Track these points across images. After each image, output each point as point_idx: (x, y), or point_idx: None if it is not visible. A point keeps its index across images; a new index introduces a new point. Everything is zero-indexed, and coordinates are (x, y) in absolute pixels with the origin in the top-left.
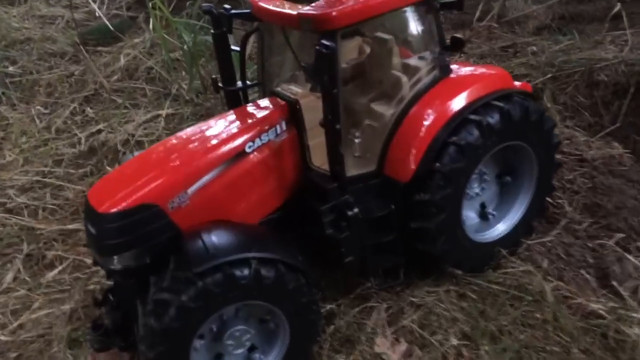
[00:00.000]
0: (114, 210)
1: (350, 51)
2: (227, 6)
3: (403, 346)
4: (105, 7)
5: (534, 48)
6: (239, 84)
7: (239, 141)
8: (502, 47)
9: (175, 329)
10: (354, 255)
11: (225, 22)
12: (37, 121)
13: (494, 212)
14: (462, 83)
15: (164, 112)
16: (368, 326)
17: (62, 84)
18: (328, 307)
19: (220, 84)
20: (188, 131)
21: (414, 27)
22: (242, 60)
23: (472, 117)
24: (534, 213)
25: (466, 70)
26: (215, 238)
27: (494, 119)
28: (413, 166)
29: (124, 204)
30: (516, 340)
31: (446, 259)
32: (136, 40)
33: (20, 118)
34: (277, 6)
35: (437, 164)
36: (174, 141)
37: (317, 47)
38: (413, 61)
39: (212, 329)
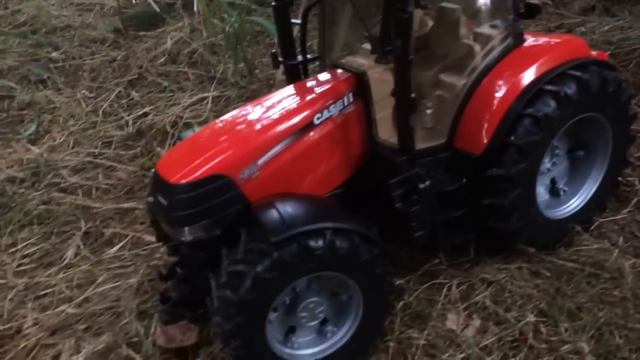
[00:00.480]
0: (184, 181)
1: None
2: None
3: (477, 322)
4: None
5: (583, 28)
6: (299, 58)
7: (307, 113)
8: (554, 26)
9: (251, 300)
10: (424, 230)
11: None
12: (83, 105)
13: (565, 188)
14: (537, 52)
15: (210, 95)
16: (439, 302)
17: (106, 69)
18: (397, 282)
19: (280, 58)
20: (253, 105)
21: None
22: (303, 33)
23: (548, 87)
24: (607, 189)
25: (541, 39)
26: (289, 208)
27: (571, 89)
28: (486, 139)
29: (195, 175)
30: (595, 317)
31: (519, 236)
32: (176, 25)
33: (67, 102)
34: None
35: (512, 137)
36: (241, 114)
37: (397, 11)
38: (485, 29)
39: (285, 301)
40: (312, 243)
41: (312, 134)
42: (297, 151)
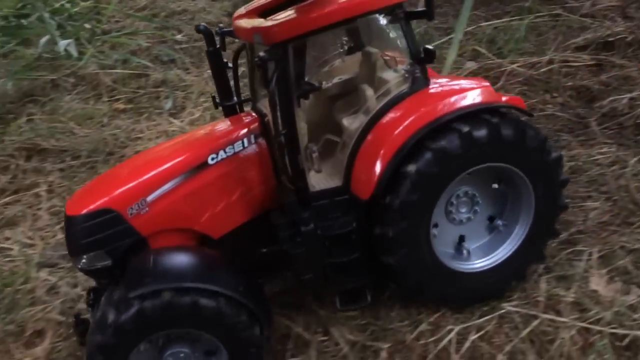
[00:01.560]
0: (77, 213)
1: (352, 65)
2: (221, 25)
3: (618, 284)
4: None
5: None
6: (234, 100)
7: (201, 152)
8: None
9: (111, 346)
10: (312, 273)
11: (219, 40)
12: (211, 83)
13: (470, 248)
14: (434, 97)
15: None
16: (580, 267)
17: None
18: None
19: (217, 100)
20: (165, 143)
21: (389, 37)
22: (235, 76)
23: (428, 142)
24: (527, 259)
25: (448, 83)
26: (161, 262)
27: (452, 142)
28: (370, 188)
29: (87, 208)
30: None
31: (420, 290)
32: None
33: (196, 80)
34: (244, 22)
35: (387, 198)
36: (151, 151)
37: (255, 59)
38: (385, 73)
39: (157, 340)
40: (176, 300)
41: (205, 173)
42: (189, 189)
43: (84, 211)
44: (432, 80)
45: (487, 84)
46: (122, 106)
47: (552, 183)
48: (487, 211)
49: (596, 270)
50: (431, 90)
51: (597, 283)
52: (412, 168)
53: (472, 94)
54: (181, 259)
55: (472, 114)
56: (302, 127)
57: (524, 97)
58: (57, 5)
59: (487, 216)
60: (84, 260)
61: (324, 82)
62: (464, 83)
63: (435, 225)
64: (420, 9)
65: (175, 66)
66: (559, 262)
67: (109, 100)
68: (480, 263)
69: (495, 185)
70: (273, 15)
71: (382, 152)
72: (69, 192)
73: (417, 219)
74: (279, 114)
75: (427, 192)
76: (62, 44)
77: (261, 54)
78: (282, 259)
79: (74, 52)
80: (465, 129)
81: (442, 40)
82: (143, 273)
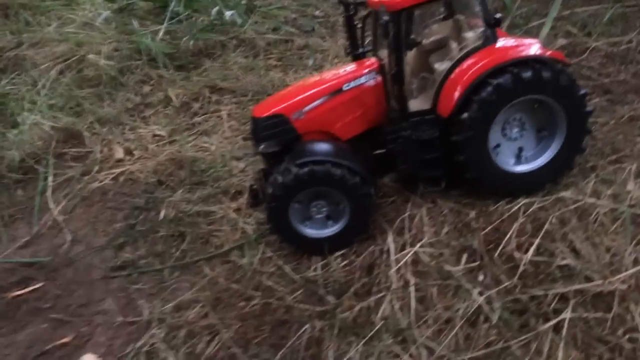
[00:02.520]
0: (261, 115)
1: (444, 29)
2: None
3: None
4: None
5: None
6: (360, 50)
7: (339, 81)
8: None
9: (279, 195)
10: (406, 165)
11: (352, 8)
12: (343, 49)
13: (527, 155)
14: (498, 50)
15: None
16: (620, 177)
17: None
18: None
19: (348, 50)
20: (317, 75)
21: (470, 8)
22: (362, 34)
23: (490, 79)
24: (559, 166)
25: (508, 40)
26: (309, 147)
27: (506, 80)
28: (449, 109)
29: (267, 113)
30: None
31: (480, 182)
32: None
33: (332, 46)
34: None
35: (464, 114)
36: (309, 79)
37: (380, 20)
38: (466, 33)
39: (305, 200)
40: (317, 168)
41: (341, 95)
42: (330, 106)
43: (265, 114)
44: (500, 39)
45: (537, 41)
46: (274, 62)
47: (579, 112)
48: (534, 126)
49: (632, 180)
50: (497, 46)
51: (631, 186)
52: (478, 96)
53: (524, 48)
54: (322, 145)
55: (522, 62)
56: (406, 69)
57: (602, 68)
58: None
59: (535, 130)
60: (262, 147)
61: (423, 40)
62: (521, 41)
63: (498, 146)
64: None
65: (315, 35)
66: (607, 173)
67: (264, 58)
68: (527, 166)
69: (536, 107)
70: None
71: (459, 85)
72: (243, 117)
73: (479, 130)
74: (393, 57)
75: (487, 113)
76: (228, 13)
77: (385, 17)
78: (387, 160)
79: (238, 19)
80: (516, 70)
81: (540, 22)
82: (299, 153)
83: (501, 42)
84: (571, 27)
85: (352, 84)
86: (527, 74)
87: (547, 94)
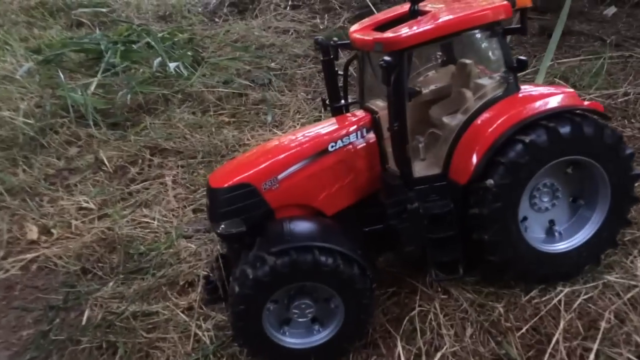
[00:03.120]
0: (221, 185)
1: (444, 76)
2: (335, 38)
3: None
4: (325, 22)
5: None
6: (343, 101)
7: (323, 141)
8: None
9: (249, 295)
10: (413, 246)
11: (333, 51)
12: (305, 104)
13: (561, 230)
14: (524, 100)
15: None
16: None
17: (315, 78)
18: None
19: (327, 102)
20: (290, 134)
21: (483, 50)
22: (345, 82)
23: (519, 136)
24: (602, 243)
25: (535, 89)
26: (288, 227)
27: (540, 137)
28: (468, 175)
29: (229, 182)
30: None
31: (507, 267)
32: None
33: (292, 100)
34: (362, 35)
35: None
36: (279, 140)
37: (380, 62)
38: (481, 80)
39: (283, 299)
40: (300, 257)
41: (325, 158)
42: (312, 171)
43: (227, 184)
44: (524, 86)
45: (571, 90)
46: (227, 119)
47: (625, 176)
48: (568, 194)
49: None
50: (521, 95)
51: None
52: (506, 157)
53: (557, 98)
54: (305, 225)
55: (557, 114)
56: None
57: None
58: (159, 35)
59: (569, 198)
60: (222, 226)
61: (422, 89)
62: (551, 89)
63: (525, 219)
64: (514, 25)
65: (271, 88)
66: None
67: (214, 114)
68: (564, 245)
69: (569, 170)
70: (388, 30)
71: (479, 144)
72: (191, 183)
73: (508, 200)
74: (394, 108)
75: (517, 178)
76: (172, 65)
77: (386, 58)
78: (383, 239)
79: (184, 71)
80: (551, 124)
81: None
82: (274, 236)
83: (526, 90)
84: (554, 79)
85: (340, 144)
86: (566, 130)
87: (589, 154)
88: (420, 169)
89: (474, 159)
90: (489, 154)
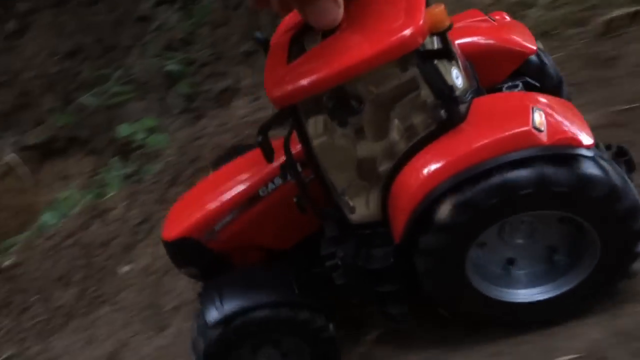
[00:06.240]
0: (169, 239)
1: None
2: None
3: None
4: None
5: None
6: None
7: (252, 185)
8: None
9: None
10: (356, 299)
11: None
12: None
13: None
14: (467, 139)
15: None
16: None
17: None
18: None
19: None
20: (227, 166)
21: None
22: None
23: (452, 195)
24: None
25: (482, 123)
26: (225, 292)
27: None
28: (399, 234)
29: (173, 237)
30: None
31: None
32: None
33: None
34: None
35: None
36: (212, 178)
37: (257, 139)
38: (411, 115)
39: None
40: (251, 317)
41: (259, 204)
42: (248, 218)
43: (172, 239)
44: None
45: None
46: None
47: (624, 234)
48: (546, 239)
49: None
50: (466, 129)
51: None
52: (437, 219)
53: (518, 130)
54: (250, 281)
55: (512, 162)
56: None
57: None
58: None
59: (545, 244)
60: (182, 270)
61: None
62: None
63: (484, 244)
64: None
65: None
66: None
67: None
68: (526, 292)
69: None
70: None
71: (405, 201)
72: None
73: (448, 260)
74: (307, 158)
75: (454, 241)
76: None
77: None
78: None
79: None
80: (498, 176)
81: None
82: (217, 302)
83: (475, 118)
84: None
85: (272, 186)
86: (522, 181)
87: (567, 208)
88: (361, 211)
89: (402, 219)
90: (416, 215)
